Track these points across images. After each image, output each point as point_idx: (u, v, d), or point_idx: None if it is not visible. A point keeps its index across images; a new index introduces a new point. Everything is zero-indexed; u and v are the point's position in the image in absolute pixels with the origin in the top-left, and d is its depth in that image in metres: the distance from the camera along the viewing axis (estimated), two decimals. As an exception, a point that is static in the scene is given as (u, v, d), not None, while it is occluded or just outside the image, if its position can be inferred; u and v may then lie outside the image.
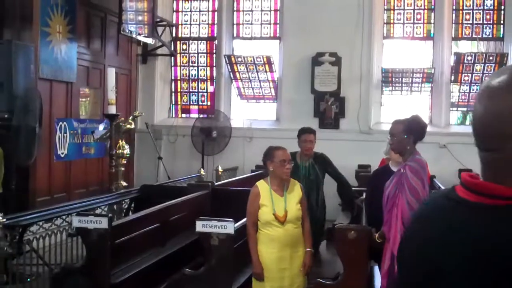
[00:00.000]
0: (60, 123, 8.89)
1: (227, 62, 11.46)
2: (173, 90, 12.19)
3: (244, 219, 4.92)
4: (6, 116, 7.42)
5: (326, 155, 6.82)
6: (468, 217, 1.25)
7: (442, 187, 7.20)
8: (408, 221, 1.54)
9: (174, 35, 12.01)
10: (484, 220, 1.21)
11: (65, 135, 8.95)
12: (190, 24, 12.10)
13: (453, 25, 11.03)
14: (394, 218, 4.43)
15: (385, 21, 11.23)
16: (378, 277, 5.34)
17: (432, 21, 11.07)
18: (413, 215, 1.50)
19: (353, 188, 8.17)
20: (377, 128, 10.83)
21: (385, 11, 11.22)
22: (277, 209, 4.83)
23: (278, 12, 11.56)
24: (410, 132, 4.57)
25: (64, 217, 6.27)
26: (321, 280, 5.15)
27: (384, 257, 4.57)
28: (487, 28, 10.93)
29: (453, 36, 11.05)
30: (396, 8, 11.21)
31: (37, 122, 7.41)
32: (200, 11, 12.03)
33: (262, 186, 5.00)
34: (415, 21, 11.16)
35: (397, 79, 10.90)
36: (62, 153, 8.89)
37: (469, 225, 1.23)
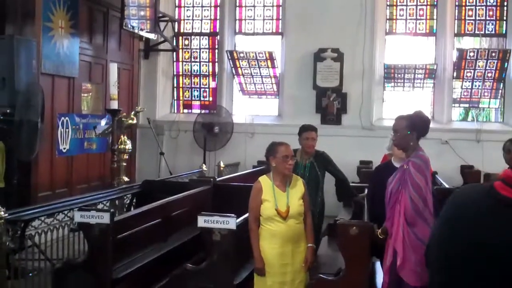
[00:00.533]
0: (62, 118, 8.89)
1: (229, 57, 11.45)
2: (175, 85, 12.19)
3: (246, 215, 4.92)
4: (8, 111, 7.41)
5: (327, 153, 6.73)
6: None
7: (445, 184, 7.20)
8: (437, 221, 1.52)
9: (176, 30, 12.00)
10: None
11: (67, 130, 8.95)
12: (193, 20, 12.09)
13: (456, 21, 11.02)
14: (397, 214, 4.43)
15: (388, 17, 11.22)
16: (380, 273, 5.34)
17: (434, 17, 11.06)
18: (450, 215, 1.47)
19: (355, 184, 8.18)
20: (379, 124, 10.83)
21: (388, 7, 11.20)
22: (279, 204, 4.83)
23: (280, 8, 11.55)
24: (414, 128, 4.55)
25: (66, 212, 6.27)
26: (322, 276, 5.15)
27: (386, 253, 4.56)
28: (490, 24, 10.91)
29: (455, 32, 11.04)
30: (398, 4, 11.19)
31: (39, 117, 7.40)
32: (202, 6, 12.02)
33: (265, 181, 5.00)
34: (418, 17, 11.14)
35: (399, 75, 10.89)
36: (64, 148, 8.89)
37: None
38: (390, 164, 5.75)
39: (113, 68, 7.85)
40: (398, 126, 4.66)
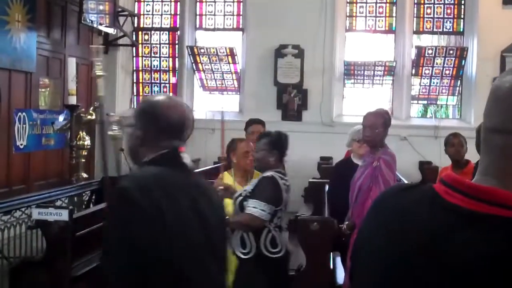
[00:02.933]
0: (19, 113, 8.71)
1: (190, 53, 11.39)
2: (134, 81, 12.07)
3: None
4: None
5: None
6: (469, 232, 1.12)
7: (404, 180, 7.29)
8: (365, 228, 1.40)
9: (136, 25, 11.87)
10: (495, 235, 1.09)
11: (24, 126, 8.78)
12: (152, 14, 11.98)
13: (414, 19, 11.16)
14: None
15: (348, 14, 11.30)
16: (340, 268, 5.38)
17: (394, 14, 11.18)
18: (381, 216, 1.33)
19: (315, 180, 8.23)
20: (339, 120, 10.91)
21: (348, 4, 11.28)
22: (240, 200, 4.82)
23: (241, 4, 11.53)
24: (387, 125, 4.60)
25: (23, 209, 6.16)
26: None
27: (350, 249, 4.59)
28: (448, 22, 11.08)
29: (414, 29, 11.17)
30: (358, 1, 11.29)
31: (-5, 113, 7.27)
32: (162, 1, 11.92)
33: (226, 178, 5.00)
34: (377, 15, 11.25)
35: (359, 72, 10.99)
36: (21, 144, 8.72)
37: (472, 241, 1.11)
38: (349, 160, 5.81)
39: (72, 63, 7.75)
40: (374, 123, 4.64)
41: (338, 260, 5.65)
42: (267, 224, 4.29)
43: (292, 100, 10.93)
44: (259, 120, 6.65)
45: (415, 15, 11.14)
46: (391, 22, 11.22)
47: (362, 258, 1.34)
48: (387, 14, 11.21)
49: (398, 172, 7.92)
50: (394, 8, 11.16)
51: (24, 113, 8.79)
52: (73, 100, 7.43)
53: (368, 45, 11.31)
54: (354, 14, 11.31)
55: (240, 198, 4.37)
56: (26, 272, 4.74)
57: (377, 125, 4.62)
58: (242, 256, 4.31)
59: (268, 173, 4.39)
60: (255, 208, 4.21)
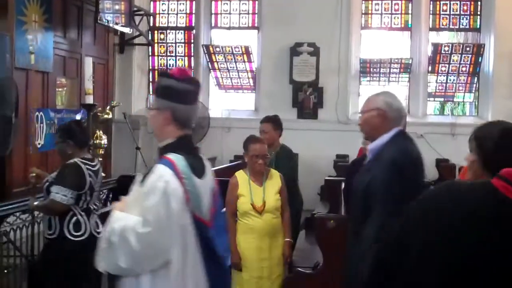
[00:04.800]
0: (37, 113, 8.78)
1: (205, 52, 11.41)
2: (150, 80, 12.12)
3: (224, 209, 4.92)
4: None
5: (292, 151, 6.55)
6: None
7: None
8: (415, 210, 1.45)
9: (151, 24, 11.92)
10: None
11: (41, 125, 8.85)
12: (168, 14, 12.02)
13: (431, 15, 11.09)
14: None
15: (363, 12, 11.26)
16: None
17: (409, 11, 11.13)
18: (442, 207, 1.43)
19: (331, 178, 8.22)
20: (355, 118, 10.83)
21: (363, 2, 11.25)
22: (255, 199, 4.85)
23: (257, 2, 11.52)
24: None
25: (41, 207, 6.21)
26: (300, 270, 5.18)
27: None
28: (464, 19, 11.01)
29: (430, 26, 11.11)
30: (374, -2, 11.26)
31: (13, 112, 7.32)
32: (178, 0, 11.95)
33: (241, 176, 5.01)
34: (393, 12, 11.21)
35: (375, 70, 10.95)
36: (39, 144, 8.79)
37: None
38: (366, 158, 5.78)
39: (88, 63, 7.77)
40: None
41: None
42: (72, 208, 4.59)
43: (307, 98, 10.92)
44: (267, 118, 6.57)
45: (431, 12, 11.08)
46: (407, 19, 11.17)
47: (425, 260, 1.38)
48: (403, 11, 11.16)
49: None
50: (410, 5, 11.11)
51: (41, 113, 8.86)
52: (90, 100, 7.46)
53: (384, 42, 11.27)
54: (370, 12, 11.27)
55: (47, 183, 4.71)
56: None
57: None
58: (48, 237, 4.64)
59: (71, 160, 4.68)
60: (57, 193, 4.53)
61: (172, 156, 2.86)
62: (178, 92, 2.98)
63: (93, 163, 4.85)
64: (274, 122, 6.45)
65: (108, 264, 2.80)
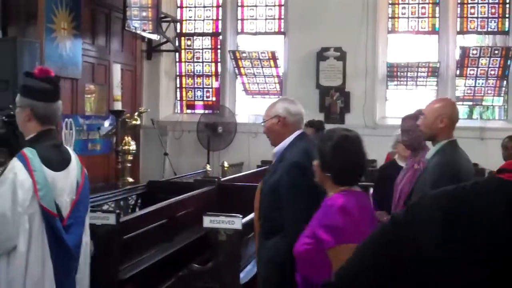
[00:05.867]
0: (66, 119, 8.90)
1: (232, 57, 11.46)
2: (178, 86, 12.19)
3: (252, 214, 4.92)
4: (12, 112, 7.41)
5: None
6: None
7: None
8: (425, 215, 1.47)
9: (178, 31, 12.00)
10: None
11: (71, 131, 8.96)
12: (195, 20, 12.10)
13: (458, 19, 10.99)
14: None
15: (390, 16, 11.21)
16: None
17: (437, 15, 11.05)
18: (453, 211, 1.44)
19: (360, 183, 8.16)
20: (382, 123, 10.83)
21: (390, 6, 11.20)
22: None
23: (283, 7, 11.54)
24: None
25: (71, 213, 6.27)
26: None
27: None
28: (492, 22, 10.89)
29: (458, 30, 11.02)
30: (400, 2, 11.19)
31: (43, 119, 7.41)
32: (204, 6, 12.02)
33: (269, 181, 4.99)
34: (420, 15, 11.14)
35: (402, 74, 10.89)
36: (68, 150, 8.90)
37: None
38: (394, 163, 5.75)
39: (116, 69, 7.86)
40: (412, 127, 4.59)
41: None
42: None
43: (334, 103, 10.90)
44: (310, 123, 6.60)
45: (458, 15, 10.98)
46: (434, 23, 11.09)
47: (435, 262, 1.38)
48: (430, 15, 11.09)
49: (443, 174, 7.83)
50: (437, 8, 11.03)
51: (70, 119, 8.97)
52: (118, 106, 7.53)
53: (411, 46, 11.20)
54: (397, 16, 11.21)
55: None
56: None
57: (415, 129, 4.55)
58: None
59: None
60: None
61: (26, 151, 3.12)
62: (36, 90, 3.30)
63: None
64: (316, 127, 6.45)
65: None
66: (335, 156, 2.99)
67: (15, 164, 3.09)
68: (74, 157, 3.42)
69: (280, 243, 3.53)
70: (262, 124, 3.94)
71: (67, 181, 3.28)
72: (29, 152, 3.13)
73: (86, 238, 3.51)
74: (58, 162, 3.25)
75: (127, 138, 7.63)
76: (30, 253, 3.06)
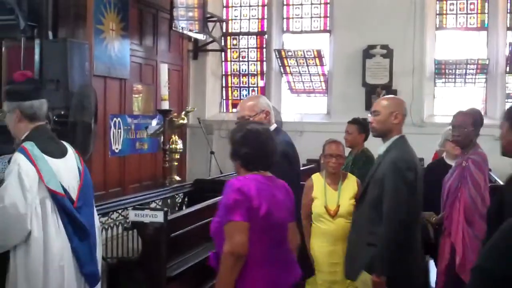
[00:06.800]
0: (114, 119, 9.04)
1: (277, 56, 11.46)
2: (223, 85, 12.26)
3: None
4: (62, 112, 7.56)
5: (372, 156, 6.13)
6: None
7: (499, 181, 7.07)
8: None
9: (224, 30, 12.07)
10: None
11: (119, 130, 9.10)
12: (240, 19, 12.15)
13: (508, 14, 10.78)
14: (456, 212, 4.35)
15: (438, 12, 11.06)
16: (434, 272, 5.28)
17: (486, 10, 10.85)
18: None
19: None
20: (430, 121, 10.69)
21: (438, 2, 11.05)
22: (329, 202, 4.83)
23: (328, 5, 11.50)
24: (477, 124, 4.49)
25: (120, 211, 6.37)
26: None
27: (442, 252, 4.49)
28: (544, 17, 10.65)
29: (508, 26, 10.80)
30: (448, -2, 11.04)
31: (92, 118, 7.54)
32: (250, 6, 12.06)
33: (317, 179, 5.01)
34: (469, 11, 10.95)
35: (450, 71, 10.73)
36: (117, 149, 9.04)
37: None
38: (443, 161, 5.69)
39: (164, 69, 7.94)
40: (464, 122, 4.54)
41: (432, 263, 5.56)
42: None
43: (381, 101, 10.79)
44: (355, 120, 6.59)
45: (508, 11, 10.76)
46: (483, 19, 10.89)
47: None
48: (479, 11, 10.90)
49: (493, 173, 7.69)
50: (486, 4, 10.83)
51: (119, 119, 9.12)
52: (165, 105, 7.60)
53: (459, 43, 11.03)
54: (445, 12, 11.05)
55: None
56: (123, 272, 4.89)
57: (466, 124, 4.50)
58: None
59: None
60: None
61: (25, 144, 3.39)
62: (19, 92, 3.56)
63: None
64: (360, 125, 6.42)
65: None
66: (242, 145, 3.27)
67: (17, 156, 3.32)
68: (69, 147, 3.65)
69: None
70: (250, 119, 4.09)
71: (68, 167, 3.52)
72: (28, 144, 3.38)
73: (97, 222, 3.71)
74: (56, 151, 3.50)
75: (174, 137, 7.70)
76: (47, 236, 3.25)
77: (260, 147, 3.30)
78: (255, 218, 3.11)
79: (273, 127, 4.04)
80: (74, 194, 3.47)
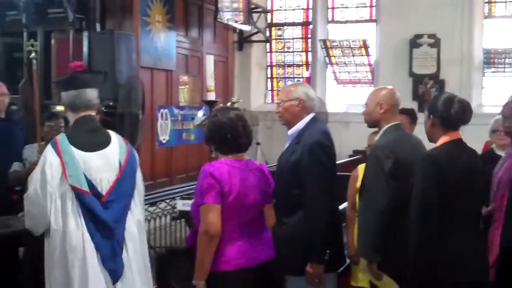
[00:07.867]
0: (161, 110, 9.13)
1: (323, 46, 11.41)
2: (268, 76, 12.27)
3: (345, 203, 4.92)
4: (110, 103, 7.68)
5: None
6: None
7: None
8: None
9: (269, 21, 12.06)
10: None
11: (166, 121, 9.19)
12: (285, 10, 12.13)
13: (559, 1, 10.53)
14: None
15: (486, 0, 10.85)
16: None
17: (537, -2, 10.61)
18: None
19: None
20: (478, 111, 10.49)
21: (486, -10, 10.85)
22: (374, 193, 4.78)
23: (374, -5, 11.40)
24: None
25: (168, 201, 6.46)
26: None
27: (491, 244, 4.41)
28: None
29: (560, 13, 10.55)
30: (497, -14, 10.82)
31: (140, 110, 7.64)
32: (294, -4, 12.05)
33: (362, 170, 4.97)
34: (518, -1, 10.73)
35: (499, 60, 10.53)
36: (164, 139, 9.14)
37: None
38: (492, 152, 5.58)
39: (209, 60, 7.92)
40: None
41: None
42: None
43: (428, 91, 10.67)
44: (403, 110, 6.46)
45: (560, -2, 10.51)
46: (534, 6, 10.66)
47: None
48: (530, -2, 10.66)
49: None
50: (538, -9, 10.58)
51: (166, 110, 9.20)
52: (211, 96, 7.59)
53: (508, 31, 10.80)
54: (493, 0, 10.83)
55: None
56: (171, 261, 4.95)
57: None
58: None
59: None
60: None
61: (58, 136, 3.44)
62: (61, 82, 3.72)
63: None
64: (410, 115, 6.32)
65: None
66: (214, 130, 3.40)
67: (47, 148, 3.39)
68: (116, 140, 3.57)
69: (301, 222, 3.68)
70: (279, 103, 4.08)
71: (104, 161, 3.46)
72: (60, 136, 3.43)
73: (140, 216, 3.63)
74: (92, 144, 3.45)
75: (220, 128, 7.74)
76: (66, 228, 3.29)
77: (231, 131, 3.40)
78: (226, 200, 3.24)
79: (309, 116, 3.97)
80: (105, 188, 3.41)
